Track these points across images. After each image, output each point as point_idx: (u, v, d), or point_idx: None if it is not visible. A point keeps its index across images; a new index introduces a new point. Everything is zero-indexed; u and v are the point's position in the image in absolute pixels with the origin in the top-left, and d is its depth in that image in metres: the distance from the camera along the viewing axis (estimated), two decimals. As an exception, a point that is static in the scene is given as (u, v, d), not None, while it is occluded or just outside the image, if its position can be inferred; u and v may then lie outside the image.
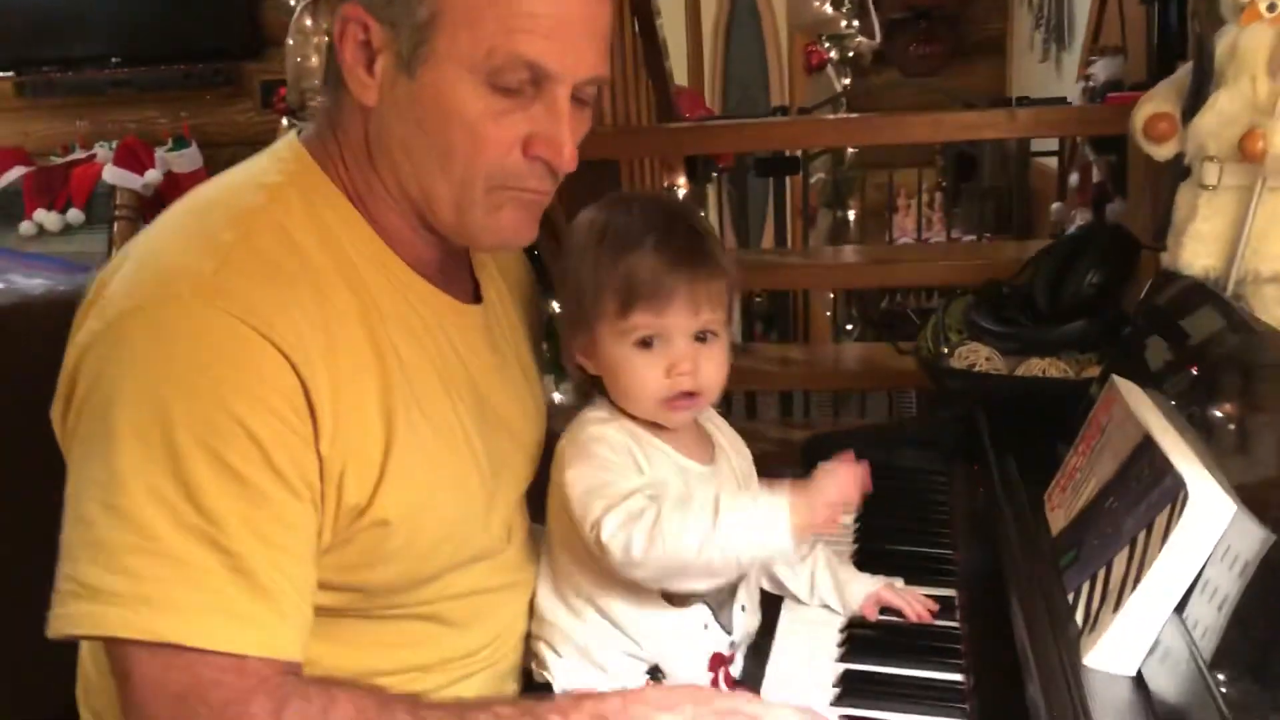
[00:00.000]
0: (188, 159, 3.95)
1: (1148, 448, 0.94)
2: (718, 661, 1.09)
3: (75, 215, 3.95)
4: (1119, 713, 0.81)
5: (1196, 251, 1.10)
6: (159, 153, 3.96)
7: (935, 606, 1.16)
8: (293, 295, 0.88)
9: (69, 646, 1.00)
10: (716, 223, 4.47)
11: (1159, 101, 1.16)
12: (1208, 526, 0.81)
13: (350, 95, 0.94)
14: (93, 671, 1.02)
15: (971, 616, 1.16)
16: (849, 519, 1.42)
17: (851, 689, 1.04)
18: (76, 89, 4.23)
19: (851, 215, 4.95)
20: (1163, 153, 1.17)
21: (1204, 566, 0.82)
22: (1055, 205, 2.75)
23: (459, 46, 0.89)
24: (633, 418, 1.08)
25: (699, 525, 0.97)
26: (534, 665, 1.11)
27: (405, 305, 0.98)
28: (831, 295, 3.77)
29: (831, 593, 1.20)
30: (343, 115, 0.97)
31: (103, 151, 4.06)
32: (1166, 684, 0.81)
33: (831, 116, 3.79)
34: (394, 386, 0.93)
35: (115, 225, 3.83)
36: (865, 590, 1.18)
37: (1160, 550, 0.82)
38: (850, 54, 5.25)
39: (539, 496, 1.13)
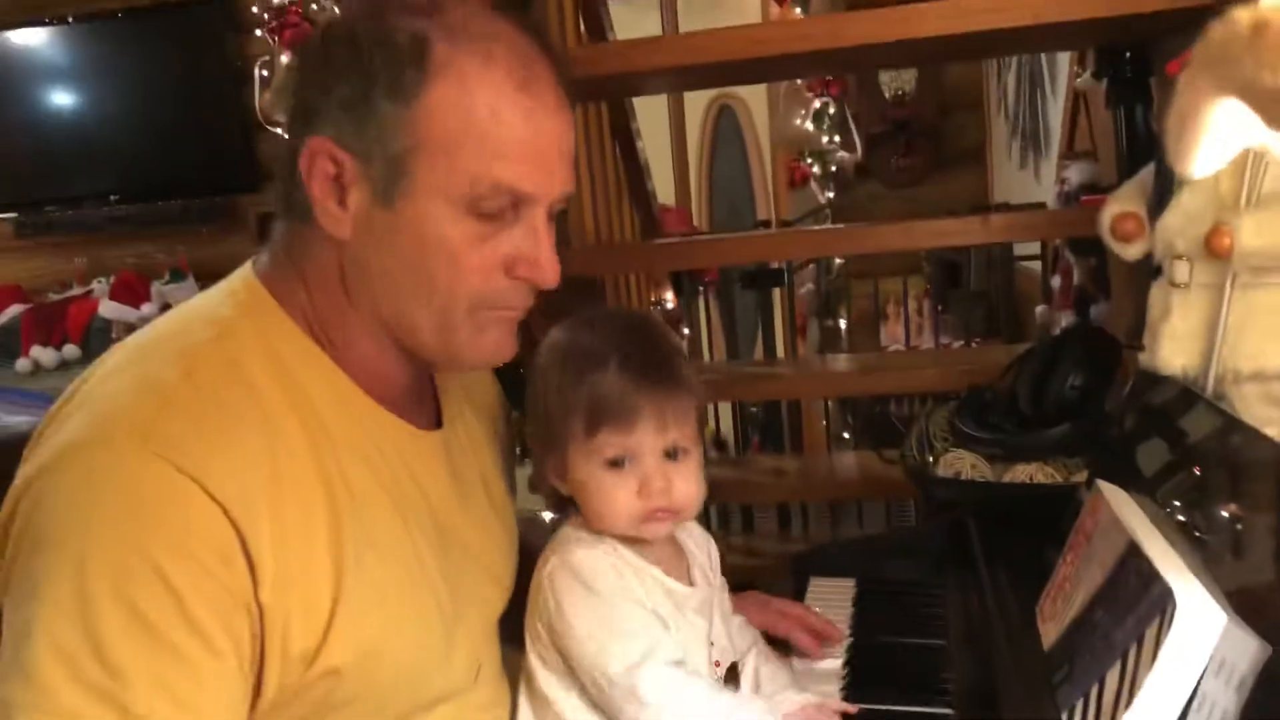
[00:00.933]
0: (184, 291, 4.00)
1: (1134, 555, 0.90)
2: None
3: (71, 351, 3.99)
4: (1120, 843, 0.76)
5: (1173, 350, 1.09)
6: (156, 286, 4.01)
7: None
8: (236, 435, 0.85)
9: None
10: (706, 336, 4.49)
11: (1124, 201, 1.16)
12: (1199, 638, 0.77)
13: (319, 228, 0.92)
14: None
15: (970, 739, 1.11)
16: (842, 622, 1.39)
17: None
18: (75, 226, 4.30)
19: (842, 324, 4.99)
20: (1132, 252, 1.16)
21: (1199, 682, 0.78)
22: (1040, 308, 2.76)
23: (437, 176, 0.89)
24: (614, 536, 1.07)
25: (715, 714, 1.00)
26: None
27: (361, 433, 0.95)
28: (826, 404, 3.76)
29: None
30: (310, 247, 0.95)
31: (100, 287, 4.12)
32: (1168, 811, 0.76)
33: (809, 228, 3.84)
34: (344, 522, 0.90)
35: (110, 360, 3.86)
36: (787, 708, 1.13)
37: (1152, 665, 0.78)
38: (833, 168, 5.35)
39: (515, 620, 1.09)
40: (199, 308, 0.98)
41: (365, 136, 0.89)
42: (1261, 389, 1.04)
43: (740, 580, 1.41)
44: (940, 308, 4.79)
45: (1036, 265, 3.25)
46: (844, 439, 4.19)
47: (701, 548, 1.18)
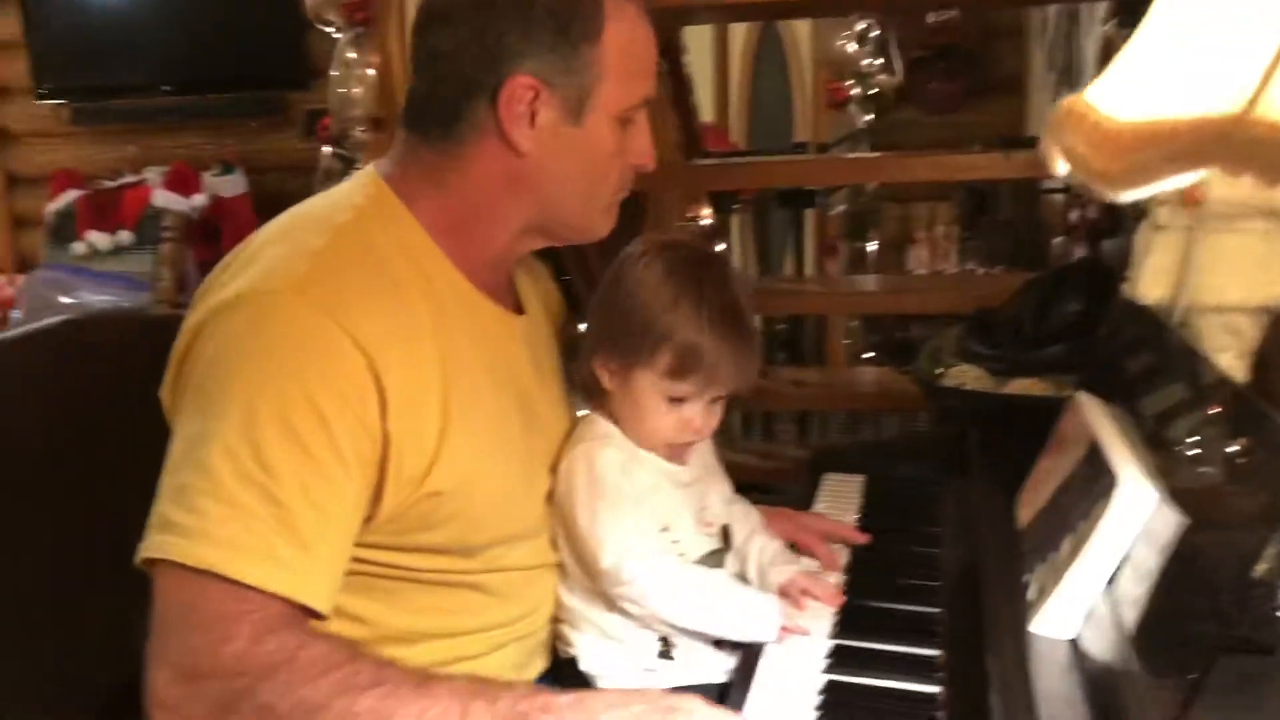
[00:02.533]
0: (233, 184, 4.13)
1: (1095, 451, 1.09)
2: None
3: (125, 236, 4.12)
4: (1058, 669, 0.96)
5: (1151, 284, 1.25)
6: (206, 178, 4.14)
7: (840, 599, 1.28)
8: (374, 296, 1.05)
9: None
10: (740, 253, 4.64)
11: (1119, 151, 1.31)
12: (1133, 511, 0.96)
13: (494, 143, 1.12)
14: None
15: (951, 601, 1.30)
16: (852, 518, 1.57)
17: (843, 661, 1.18)
18: (128, 116, 4.41)
19: (871, 247, 5.10)
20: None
21: (1130, 547, 0.97)
22: (1057, 240, 2.89)
23: (611, 97, 1.12)
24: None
25: (706, 606, 1.18)
26: (558, 643, 1.27)
27: (466, 314, 1.15)
28: (854, 324, 3.91)
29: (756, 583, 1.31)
30: (474, 158, 1.13)
31: (152, 176, 4.24)
32: (1097, 647, 0.96)
33: (844, 155, 3.96)
34: (451, 380, 1.10)
35: (163, 246, 4.03)
36: (780, 579, 1.29)
37: (1094, 532, 0.98)
38: (873, 91, 5.40)
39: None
40: (335, 196, 1.18)
41: (567, 70, 1.09)
42: (1221, 320, 1.21)
43: (756, 481, 1.56)
44: (968, 235, 4.89)
45: (1062, 198, 3.37)
46: (864, 359, 4.35)
47: None
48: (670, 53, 3.16)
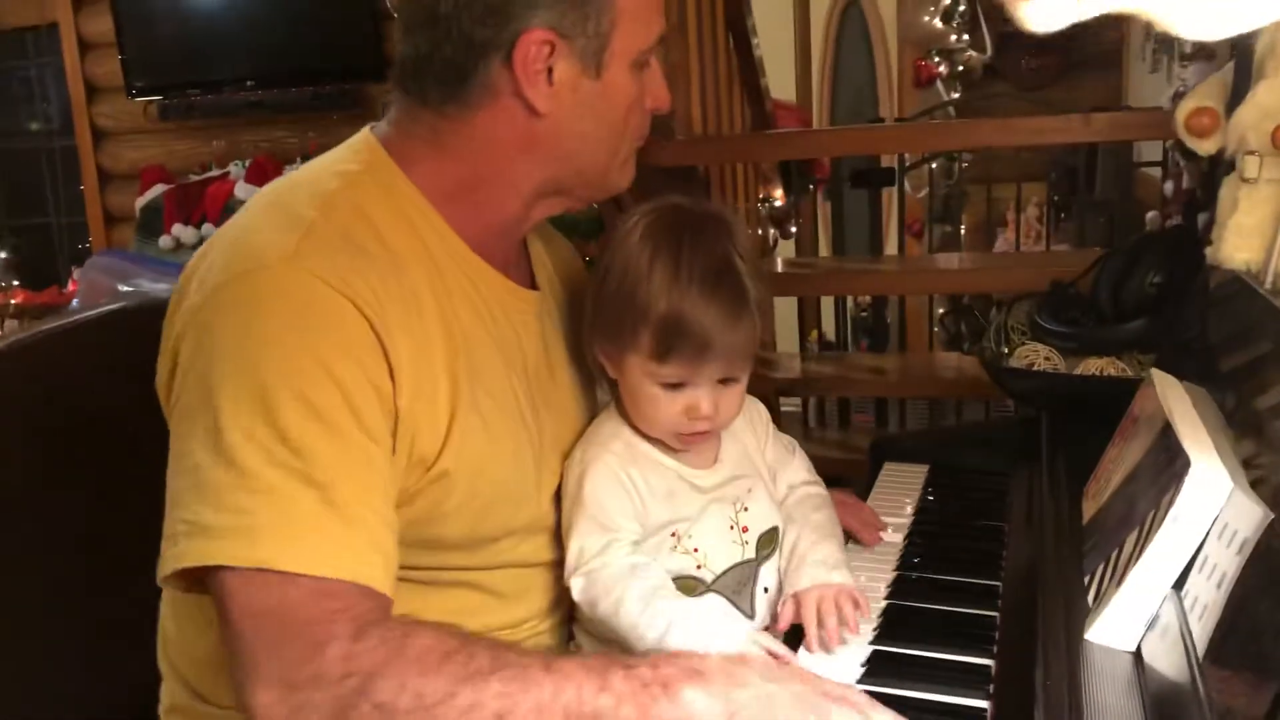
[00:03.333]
0: (314, 177, 4.16)
1: (1167, 434, 0.95)
2: None
3: (209, 230, 4.19)
4: (1113, 685, 0.83)
5: (1237, 245, 1.10)
6: (288, 170, 4.18)
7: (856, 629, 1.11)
8: (370, 266, 0.97)
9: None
10: (818, 238, 4.49)
11: (1202, 97, 1.17)
12: (1206, 502, 0.82)
13: (508, 105, 1.03)
14: (171, 627, 1.11)
15: (1010, 606, 1.17)
16: (910, 504, 1.45)
17: (880, 669, 1.07)
18: (213, 111, 4.48)
19: (962, 230, 4.91)
20: (1206, 147, 1.17)
21: (1204, 544, 0.83)
22: (1150, 214, 2.70)
23: (626, 42, 1.04)
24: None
25: (641, 623, 1.02)
26: (572, 649, 1.17)
27: (470, 285, 1.06)
28: (931, 308, 3.75)
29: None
30: (486, 121, 1.04)
31: (235, 170, 4.30)
32: (1161, 660, 0.83)
33: (910, 123, 3.79)
34: (458, 356, 1.01)
35: (245, 238, 4.06)
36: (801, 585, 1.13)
37: (1161, 526, 0.84)
38: (960, 68, 5.21)
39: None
40: (326, 162, 1.09)
41: (583, 20, 1.01)
42: (1320, 284, 1.06)
43: (830, 473, 1.44)
44: (1062, 216, 4.67)
45: (1158, 172, 3.16)
46: (951, 345, 4.17)
47: (748, 416, 1.19)
48: (736, 27, 3.06)
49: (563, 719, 0.83)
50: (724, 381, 1.08)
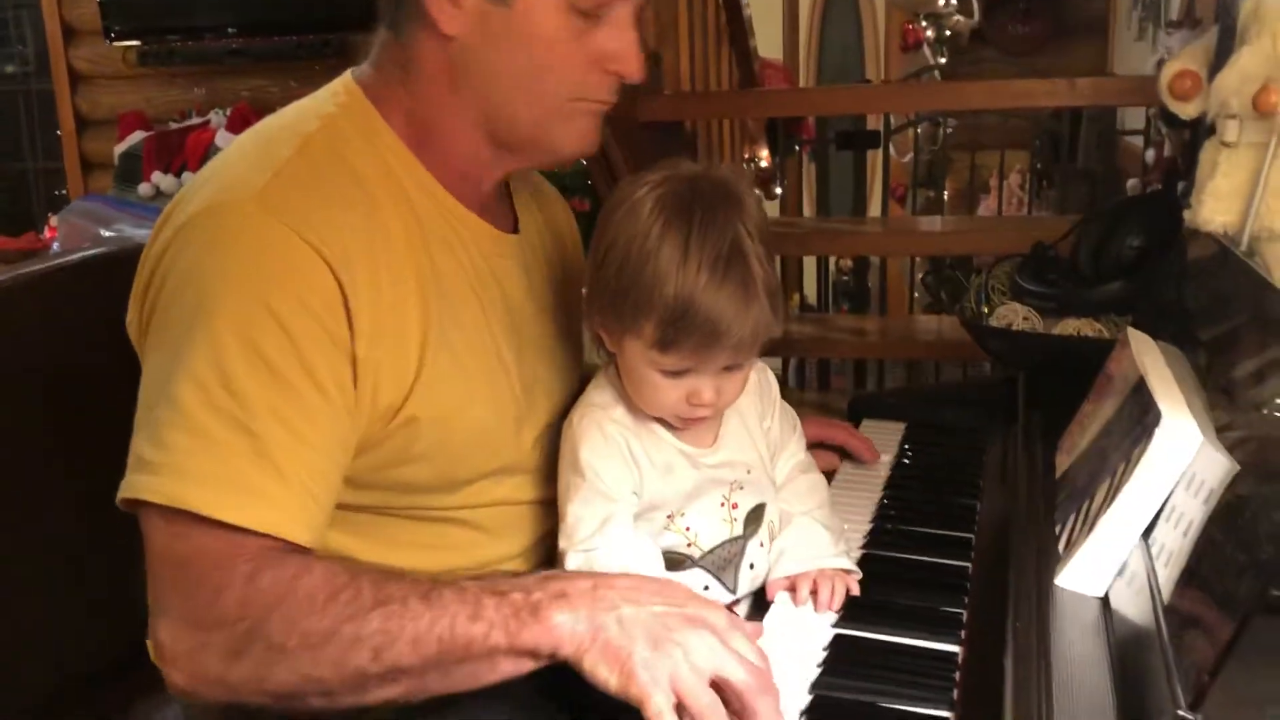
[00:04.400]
0: (298, 126, 4.12)
1: (1140, 390, 0.97)
2: None
3: (190, 178, 4.14)
4: (1081, 629, 0.85)
5: (1215, 208, 1.12)
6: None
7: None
8: (341, 208, 0.97)
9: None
10: (802, 199, 4.50)
11: (1186, 60, 1.18)
12: (1175, 454, 0.85)
13: (428, 31, 1.01)
14: None
15: (983, 556, 1.20)
16: (887, 459, 1.48)
17: (855, 615, 1.09)
18: (195, 58, 4.42)
19: (945, 196, 4.93)
20: (1188, 110, 1.19)
21: (1172, 494, 0.86)
22: (1131, 181, 2.72)
23: None
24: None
25: None
26: None
27: (448, 229, 1.06)
28: (913, 271, 3.77)
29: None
30: (416, 51, 1.03)
31: (216, 118, 4.25)
32: (1129, 605, 0.85)
33: (893, 83, 3.79)
34: (430, 300, 1.01)
35: (225, 186, 4.02)
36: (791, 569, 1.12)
37: (1131, 476, 0.87)
38: (947, 33, 5.20)
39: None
40: (306, 105, 1.09)
41: None
42: (1295, 247, 1.08)
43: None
44: (1045, 183, 4.69)
45: (1140, 141, 3.18)
46: (931, 308, 4.20)
47: (750, 397, 1.15)
48: (727, -16, 3.05)
49: (437, 648, 0.87)
50: (728, 368, 1.04)
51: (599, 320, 1.06)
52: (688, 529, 1.10)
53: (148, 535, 0.92)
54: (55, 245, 3.64)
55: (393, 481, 1.03)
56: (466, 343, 1.05)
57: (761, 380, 1.20)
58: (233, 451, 0.90)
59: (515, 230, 1.17)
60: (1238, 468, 0.81)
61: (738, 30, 3.19)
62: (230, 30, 4.32)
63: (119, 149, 4.32)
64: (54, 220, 3.94)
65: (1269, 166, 1.06)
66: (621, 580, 0.91)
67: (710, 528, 1.11)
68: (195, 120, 4.35)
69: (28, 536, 1.22)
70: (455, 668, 0.88)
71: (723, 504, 1.12)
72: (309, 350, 0.93)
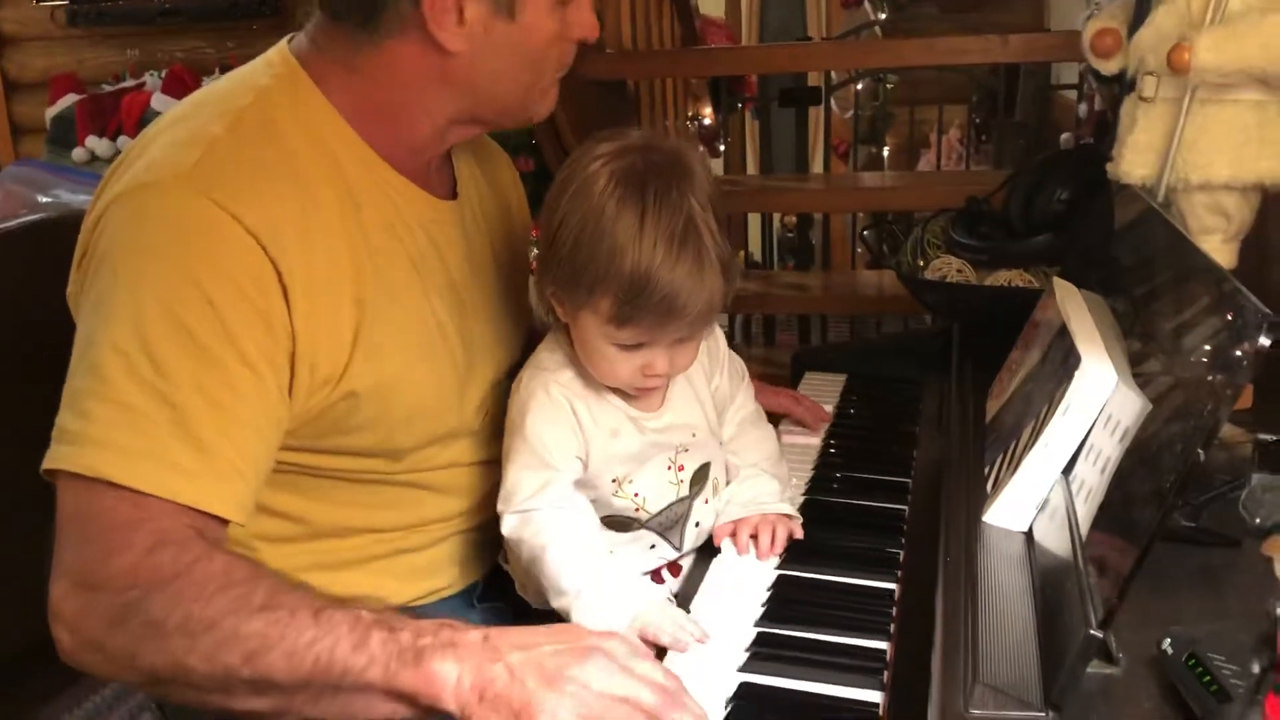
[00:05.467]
0: (235, 88, 4.06)
1: (1063, 335, 1.03)
2: (667, 567, 1.16)
3: (125, 141, 4.06)
4: (1007, 562, 0.91)
5: (1134, 161, 1.17)
6: (206, 81, 4.07)
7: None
8: (271, 184, 0.97)
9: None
10: (745, 156, 4.52)
11: (1106, 18, 1.22)
12: (1093, 395, 0.90)
13: (423, 46, 1.02)
14: None
15: (919, 500, 1.25)
16: (828, 409, 1.52)
17: (797, 558, 1.14)
18: (126, 18, 4.32)
19: (886, 151, 4.97)
20: (1109, 67, 1.23)
21: (1090, 433, 0.91)
22: (1064, 135, 2.78)
23: None
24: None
25: (561, 581, 1.02)
26: (500, 559, 1.21)
27: (385, 200, 1.07)
28: (855, 226, 3.82)
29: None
30: (399, 56, 1.03)
31: (152, 80, 4.18)
32: (1051, 538, 0.91)
33: (835, 41, 3.83)
34: (365, 273, 1.02)
35: (163, 151, 3.96)
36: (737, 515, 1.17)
37: (1053, 417, 0.92)
38: (887, -13, 5.21)
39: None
40: (240, 76, 1.09)
41: None
42: (1208, 198, 1.14)
43: None
44: (983, 138, 4.75)
45: (1075, 95, 3.24)
46: (873, 264, 4.26)
47: (698, 359, 1.15)
48: (666, -58, 3.05)
49: (310, 668, 0.83)
50: (681, 339, 1.06)
51: (552, 292, 1.07)
52: (636, 494, 1.12)
53: (59, 501, 0.91)
54: (-8, 213, 3.57)
55: (336, 447, 1.05)
56: (404, 315, 1.06)
57: (709, 340, 1.21)
58: (153, 423, 0.90)
59: (454, 195, 1.18)
60: (1151, 406, 0.86)
61: (678, -13, 3.20)
62: (163, -11, 4.23)
63: (51, 112, 4.24)
64: (-11, 185, 3.86)
65: (1183, 121, 1.11)
66: (514, 631, 0.86)
67: (657, 491, 1.13)
68: (129, 83, 4.27)
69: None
70: (326, 695, 0.84)
71: (669, 467, 1.14)
72: (237, 327, 0.93)
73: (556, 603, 1.03)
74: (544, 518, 1.05)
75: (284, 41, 1.11)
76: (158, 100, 4.09)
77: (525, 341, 1.26)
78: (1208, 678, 0.70)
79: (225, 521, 0.93)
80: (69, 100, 4.25)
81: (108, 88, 4.28)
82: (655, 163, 1.01)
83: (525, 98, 1.10)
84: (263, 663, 0.83)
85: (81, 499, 0.89)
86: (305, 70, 1.06)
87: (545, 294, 1.08)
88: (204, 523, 0.91)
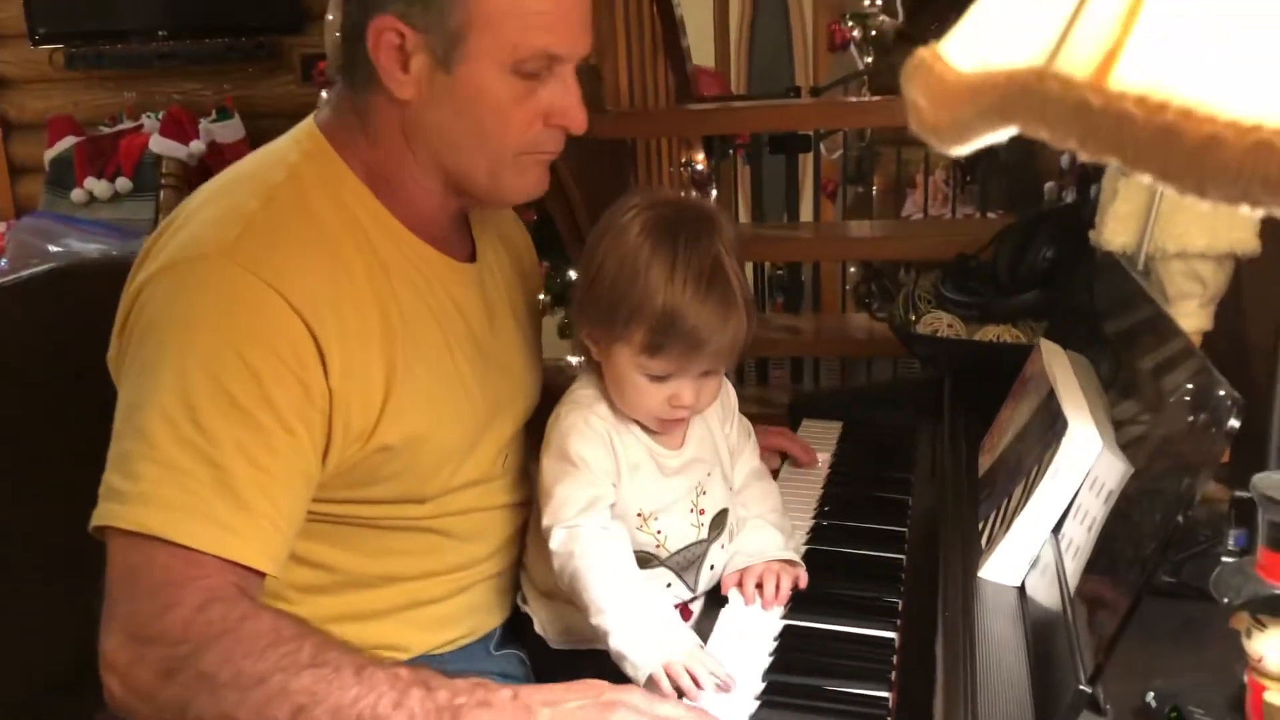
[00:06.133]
0: (230, 130, 4.10)
1: (1051, 398, 1.09)
2: (679, 610, 1.21)
3: (124, 183, 4.09)
4: (1002, 615, 0.97)
5: (1115, 230, 1.24)
6: (203, 123, 4.11)
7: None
8: (306, 256, 1.04)
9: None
10: (736, 200, 4.60)
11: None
12: (1079, 460, 0.97)
13: (384, 96, 1.08)
14: None
15: (915, 549, 1.31)
16: (825, 457, 1.58)
17: (800, 607, 1.19)
18: (124, 61, 4.37)
19: (874, 191, 5.07)
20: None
21: (1077, 494, 0.97)
22: (1048, 184, 2.86)
23: (486, 45, 1.04)
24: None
25: (601, 599, 1.07)
26: (519, 599, 1.27)
27: (409, 265, 1.14)
28: (845, 269, 3.90)
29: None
30: (371, 108, 1.11)
31: (149, 122, 4.21)
32: (1042, 593, 0.97)
33: (832, 100, 3.94)
34: (395, 336, 1.09)
35: (161, 193, 3.99)
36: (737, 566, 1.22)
37: (1042, 479, 0.98)
38: (873, 33, 5.33)
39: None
40: (271, 152, 1.16)
41: (428, 13, 1.05)
42: (1185, 266, 1.21)
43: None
44: (968, 179, 4.84)
45: (1058, 142, 3.32)
46: (865, 304, 4.33)
47: (715, 402, 1.22)
48: (660, -5, 3.13)
49: None
50: (707, 373, 1.14)
51: (588, 331, 1.15)
52: (658, 531, 1.19)
53: (110, 557, 0.96)
54: (3, 261, 3.61)
55: (366, 496, 1.11)
56: (431, 371, 1.13)
57: (723, 390, 1.28)
58: (198, 481, 0.95)
59: (473, 257, 1.25)
60: (1133, 469, 0.92)
61: (671, 35, 3.28)
62: (160, 33, 4.29)
63: (49, 154, 4.27)
64: (4, 235, 3.90)
65: (1160, 194, 1.19)
66: (540, 688, 0.94)
67: (679, 531, 1.20)
68: (127, 124, 4.31)
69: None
70: None
71: (691, 509, 1.21)
72: (274, 390, 0.99)
73: (595, 619, 1.08)
74: (590, 536, 1.12)
75: (311, 115, 1.18)
76: (155, 142, 4.12)
77: (541, 391, 1.32)
78: (1189, 729, 0.76)
79: (262, 575, 0.99)
80: (67, 142, 4.27)
81: (105, 129, 4.31)
82: (685, 214, 1.12)
83: (490, 168, 1.11)
84: (309, 718, 0.88)
85: (133, 555, 0.95)
86: (330, 140, 1.13)
87: (581, 334, 1.17)
88: (244, 576, 0.97)
